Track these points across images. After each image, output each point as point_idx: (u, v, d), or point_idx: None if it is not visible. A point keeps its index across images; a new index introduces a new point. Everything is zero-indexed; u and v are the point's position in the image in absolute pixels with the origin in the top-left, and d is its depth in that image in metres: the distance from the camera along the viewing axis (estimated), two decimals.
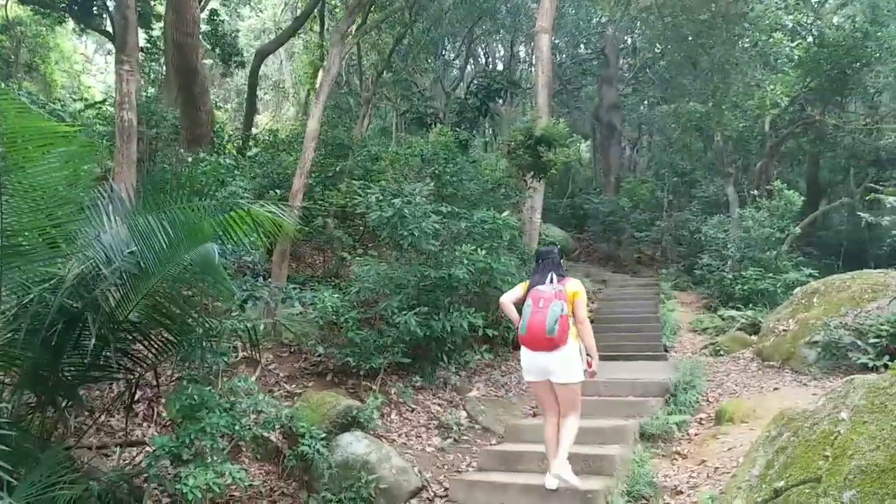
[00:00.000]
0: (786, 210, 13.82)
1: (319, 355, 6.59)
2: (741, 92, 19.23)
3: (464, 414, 6.75)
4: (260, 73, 16.03)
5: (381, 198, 6.67)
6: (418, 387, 7.01)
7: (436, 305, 7.09)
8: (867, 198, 7.54)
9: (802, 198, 14.25)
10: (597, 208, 19.31)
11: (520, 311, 4.68)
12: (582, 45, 24.97)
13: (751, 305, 12.85)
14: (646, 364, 8.90)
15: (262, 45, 17.66)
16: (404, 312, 6.51)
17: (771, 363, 8.72)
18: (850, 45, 14.43)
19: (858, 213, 7.54)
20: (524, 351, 4.65)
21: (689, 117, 20.43)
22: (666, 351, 10.59)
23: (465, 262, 7.00)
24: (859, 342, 7.05)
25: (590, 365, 4.64)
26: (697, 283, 15.74)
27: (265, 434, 5.34)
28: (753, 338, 10.29)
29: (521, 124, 12.47)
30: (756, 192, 15.24)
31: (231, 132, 14.60)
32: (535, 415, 7.03)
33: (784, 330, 9.10)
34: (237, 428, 4.96)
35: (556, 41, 19.98)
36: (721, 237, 14.40)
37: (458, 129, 10.22)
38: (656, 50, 24.34)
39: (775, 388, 6.76)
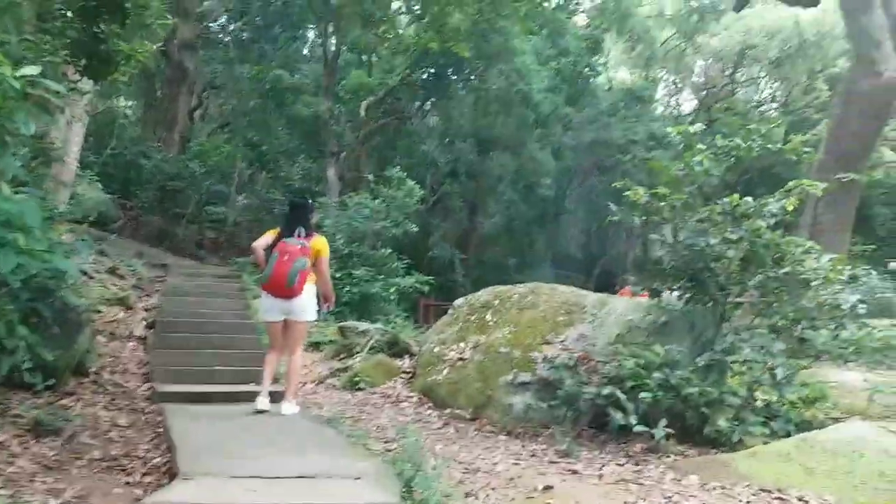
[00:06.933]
0: (403, 203, 11.80)
1: None
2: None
3: None
4: None
5: None
6: None
7: None
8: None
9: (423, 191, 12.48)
10: (157, 167, 14.19)
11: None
12: None
13: (356, 314, 10.31)
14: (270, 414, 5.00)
15: None
16: None
17: (456, 411, 5.97)
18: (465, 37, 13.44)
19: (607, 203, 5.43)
20: (265, 295, 5.14)
21: (273, 84, 17.36)
22: (277, 381, 6.90)
23: None
24: (618, 393, 4.77)
25: (327, 308, 5.44)
26: None
27: None
28: (399, 362, 7.51)
29: None
30: (370, 176, 12.88)
31: None
32: None
33: (460, 358, 6.52)
34: None
35: None
36: (329, 224, 11.47)
37: None
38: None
39: (546, 488, 3.82)
